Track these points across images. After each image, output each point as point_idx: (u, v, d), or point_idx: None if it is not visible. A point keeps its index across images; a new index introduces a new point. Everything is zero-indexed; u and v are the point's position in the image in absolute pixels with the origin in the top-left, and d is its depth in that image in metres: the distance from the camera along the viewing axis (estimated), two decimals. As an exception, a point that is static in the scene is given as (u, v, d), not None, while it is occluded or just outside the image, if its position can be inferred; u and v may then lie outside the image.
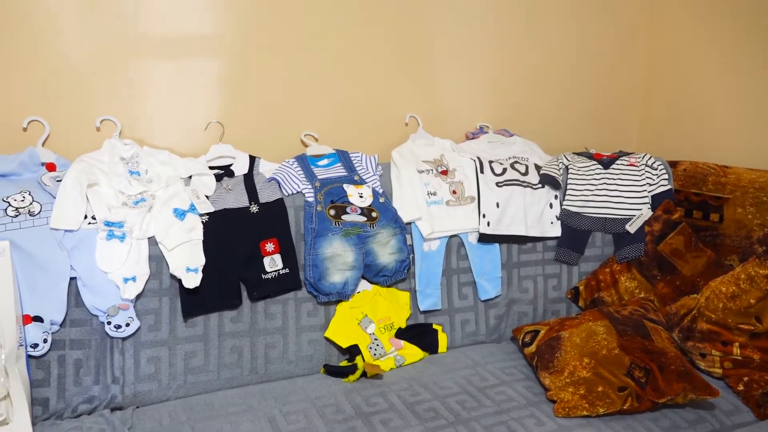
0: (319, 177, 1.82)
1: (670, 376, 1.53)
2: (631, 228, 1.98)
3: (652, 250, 1.93)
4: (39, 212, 1.50)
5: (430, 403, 1.56)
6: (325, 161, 1.88)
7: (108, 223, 1.54)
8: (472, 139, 2.15)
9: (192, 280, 1.57)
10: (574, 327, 1.72)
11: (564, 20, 2.29)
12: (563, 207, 2.02)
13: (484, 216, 1.92)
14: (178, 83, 1.82)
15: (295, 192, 1.78)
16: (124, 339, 1.55)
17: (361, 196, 1.82)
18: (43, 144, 1.66)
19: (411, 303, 1.87)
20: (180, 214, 1.62)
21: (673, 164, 2.09)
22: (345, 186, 1.82)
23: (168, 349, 1.59)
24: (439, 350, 1.86)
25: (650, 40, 2.41)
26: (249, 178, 1.78)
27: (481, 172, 1.98)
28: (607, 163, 2.07)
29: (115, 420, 1.45)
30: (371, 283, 1.82)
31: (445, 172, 1.96)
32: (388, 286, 1.84)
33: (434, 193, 1.91)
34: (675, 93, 2.33)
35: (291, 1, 1.89)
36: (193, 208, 1.65)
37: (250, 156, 1.84)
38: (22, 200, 1.51)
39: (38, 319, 1.45)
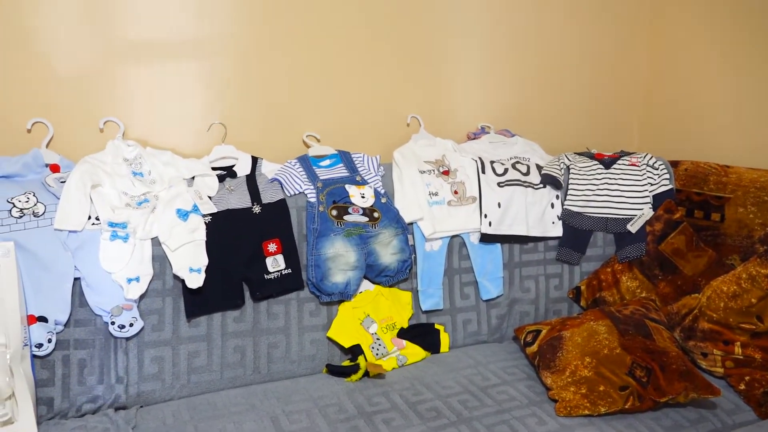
0: (321, 177, 1.83)
1: (671, 375, 1.53)
2: (633, 228, 1.99)
3: (654, 249, 1.94)
4: (43, 213, 1.51)
5: (432, 402, 1.57)
6: (327, 162, 1.89)
7: (111, 224, 1.55)
8: (474, 139, 2.16)
9: (195, 281, 1.58)
10: (575, 326, 1.72)
11: (565, 20, 2.29)
12: (565, 207, 2.02)
13: (485, 216, 1.93)
14: (180, 84, 1.83)
15: (297, 192, 1.79)
16: (127, 339, 1.56)
17: (363, 197, 1.82)
18: (47, 145, 1.67)
19: (413, 303, 1.88)
20: (183, 214, 1.63)
21: (675, 164, 2.09)
22: (347, 186, 1.83)
23: (171, 349, 1.60)
24: (441, 350, 1.86)
25: (651, 40, 2.42)
26: (251, 179, 1.79)
27: (483, 172, 1.99)
28: (608, 163, 2.07)
29: (119, 419, 1.46)
30: (373, 283, 1.83)
31: (446, 173, 1.97)
32: (390, 286, 1.85)
33: (436, 194, 1.92)
34: (676, 93, 2.33)
35: (293, 2, 1.90)
36: (196, 209, 1.66)
37: (253, 157, 1.85)
38: (27, 201, 1.52)
39: (43, 319, 1.46)
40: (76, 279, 1.51)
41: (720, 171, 1.97)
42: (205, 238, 1.63)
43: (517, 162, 2.06)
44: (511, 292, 1.98)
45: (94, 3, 1.69)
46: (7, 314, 1.38)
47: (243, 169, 1.82)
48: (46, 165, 1.63)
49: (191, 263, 1.59)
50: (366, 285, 1.82)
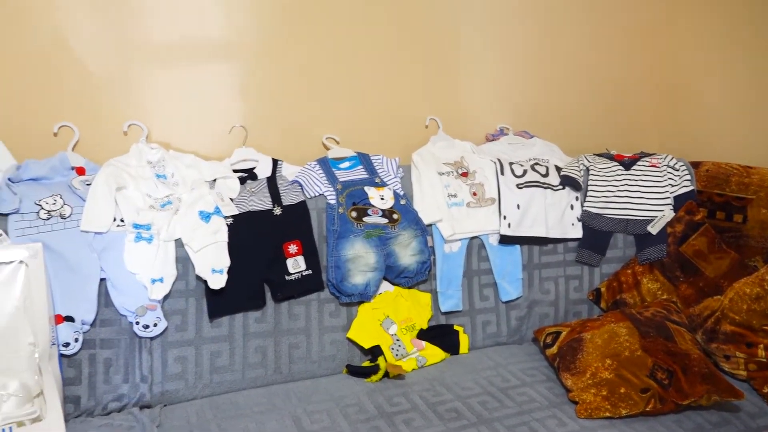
0: (340, 179, 1.84)
1: (693, 378, 1.52)
2: (653, 229, 1.97)
3: (675, 251, 1.93)
4: (70, 215, 1.55)
5: (452, 403, 1.57)
6: (346, 164, 1.91)
7: (136, 226, 1.58)
8: (492, 140, 2.16)
9: (217, 281, 1.60)
10: (596, 328, 1.72)
11: (583, 21, 2.29)
12: (584, 208, 2.02)
13: (504, 218, 1.93)
14: (202, 88, 1.86)
15: (317, 194, 1.80)
16: (152, 339, 1.58)
17: (382, 198, 1.84)
18: (73, 148, 1.70)
19: (432, 304, 1.88)
20: (205, 216, 1.66)
21: (696, 165, 2.08)
22: (366, 188, 1.84)
23: (194, 348, 1.62)
24: (461, 351, 1.87)
25: (670, 39, 2.40)
26: (272, 181, 1.81)
27: (502, 173, 1.99)
28: (628, 164, 2.06)
29: (144, 418, 1.49)
30: (393, 284, 1.84)
31: (465, 174, 1.97)
32: (410, 288, 1.86)
33: (455, 195, 1.92)
34: (696, 93, 2.31)
35: (313, 6, 1.92)
36: (217, 211, 1.68)
37: (273, 159, 1.87)
38: (54, 203, 1.55)
39: (70, 318, 1.50)
40: (101, 280, 1.54)
41: (742, 172, 1.96)
42: (227, 240, 1.66)
43: (536, 163, 2.06)
44: (531, 293, 1.97)
45: (118, 8, 1.72)
46: (35, 314, 1.41)
47: (264, 171, 1.84)
48: (72, 168, 1.66)
49: (214, 264, 1.61)
50: (385, 286, 1.83)
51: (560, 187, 2.01)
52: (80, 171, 1.66)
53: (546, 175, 2.03)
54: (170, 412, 1.55)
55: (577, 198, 2.02)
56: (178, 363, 1.61)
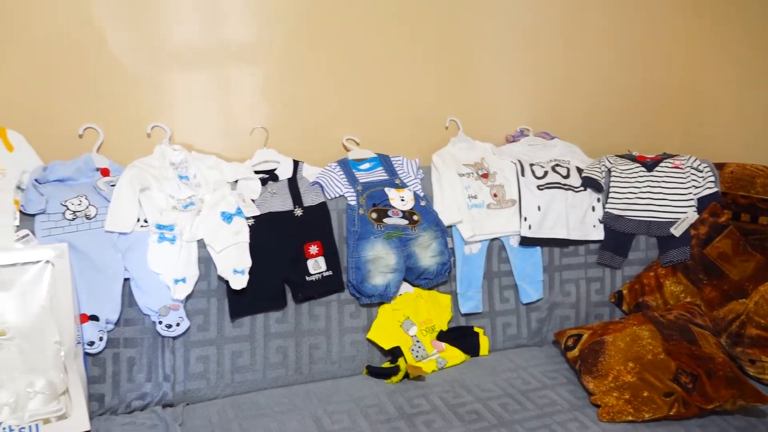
0: (361, 181, 1.85)
1: (718, 382, 1.50)
2: (676, 231, 1.95)
3: (699, 253, 1.90)
4: (95, 216, 1.57)
5: (472, 405, 1.57)
6: (366, 165, 1.91)
7: (159, 226, 1.60)
8: (513, 142, 2.15)
9: (239, 282, 1.61)
10: (618, 331, 1.70)
11: (604, 20, 2.27)
12: (606, 210, 2.00)
13: (525, 219, 1.92)
14: (224, 90, 1.87)
15: (337, 195, 1.81)
16: (174, 338, 1.60)
17: (402, 200, 1.84)
18: (97, 150, 1.73)
19: (452, 306, 1.88)
20: (227, 217, 1.67)
21: (720, 166, 2.05)
22: (386, 189, 1.84)
23: (216, 348, 1.64)
24: (481, 353, 1.86)
25: (692, 38, 2.37)
26: (293, 182, 1.82)
27: (522, 175, 1.98)
28: (650, 165, 2.04)
29: (166, 416, 1.50)
30: (413, 285, 1.84)
31: (485, 176, 1.97)
32: (430, 289, 1.85)
33: (475, 197, 1.92)
34: (720, 94, 2.28)
35: (332, 8, 1.93)
36: (239, 212, 1.69)
37: (294, 160, 1.88)
38: (79, 204, 1.57)
39: (94, 318, 1.52)
40: (125, 279, 1.56)
41: (767, 173, 1.93)
42: (248, 240, 1.67)
43: (557, 165, 2.05)
44: (552, 295, 1.96)
45: (142, 11, 1.75)
46: (61, 313, 1.44)
47: (285, 172, 1.85)
48: (97, 169, 1.68)
49: (235, 265, 1.62)
50: (405, 287, 1.83)
51: (581, 188, 2.00)
52: (104, 172, 1.68)
53: (567, 177, 2.01)
54: (192, 411, 1.56)
55: (598, 199, 2.01)
56: (200, 362, 1.62)
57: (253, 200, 1.75)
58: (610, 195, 2.01)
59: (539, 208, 1.93)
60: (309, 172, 1.87)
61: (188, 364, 1.61)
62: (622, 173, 2.03)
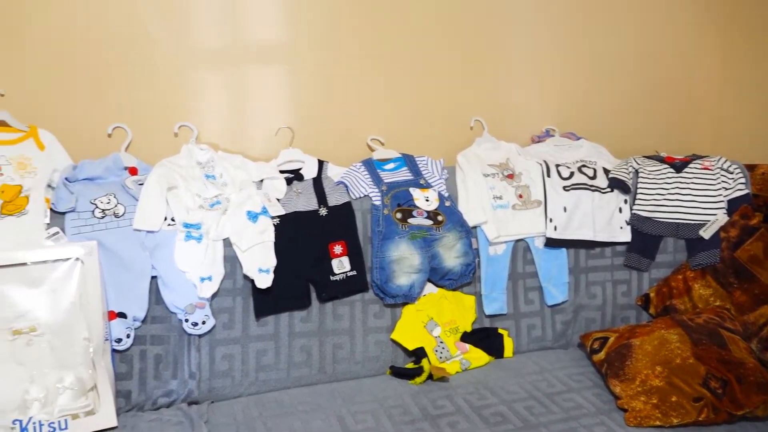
0: (385, 181, 1.84)
1: (749, 387, 1.48)
2: (706, 234, 1.92)
3: (729, 256, 1.87)
4: (123, 214, 1.59)
5: (496, 407, 1.56)
6: (391, 165, 1.91)
7: (186, 225, 1.61)
8: (538, 142, 2.13)
9: (264, 281, 1.62)
10: (645, 335, 1.68)
11: (632, 19, 2.24)
12: (633, 211, 1.97)
13: (551, 220, 1.90)
14: (250, 90, 1.88)
15: (362, 195, 1.81)
16: (200, 336, 1.61)
17: (427, 200, 1.83)
18: (126, 149, 1.75)
19: (476, 307, 1.87)
20: (253, 216, 1.68)
21: (751, 168, 2.01)
22: (411, 190, 1.84)
23: (241, 347, 1.65)
24: (505, 355, 1.85)
25: (722, 38, 2.33)
26: (318, 182, 1.83)
27: (548, 175, 1.96)
28: (679, 166, 2.01)
29: (192, 414, 1.51)
30: (437, 286, 1.83)
31: (511, 176, 1.95)
32: (454, 290, 1.84)
33: (500, 197, 1.90)
34: (751, 94, 2.24)
35: (357, 9, 1.93)
36: (265, 211, 1.70)
37: (319, 160, 1.88)
38: (108, 203, 1.59)
39: (122, 315, 1.53)
40: (153, 277, 1.58)
41: (801, 175, 1.89)
42: (273, 240, 1.67)
43: (584, 165, 2.02)
44: (577, 297, 1.94)
45: (171, 13, 1.76)
46: (90, 310, 1.46)
47: (309, 172, 1.85)
48: (125, 168, 1.70)
49: (261, 264, 1.63)
50: (429, 288, 1.82)
51: (608, 189, 1.97)
52: (133, 171, 1.70)
53: (593, 178, 1.99)
54: (217, 409, 1.57)
55: (625, 201, 1.98)
56: (225, 360, 1.63)
57: (278, 200, 1.76)
58: (638, 196, 1.98)
59: (565, 209, 1.91)
60: (334, 172, 1.87)
61: (213, 362, 1.62)
62: (649, 174, 2.00)
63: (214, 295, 1.61)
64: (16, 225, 1.50)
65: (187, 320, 1.58)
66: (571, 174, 1.98)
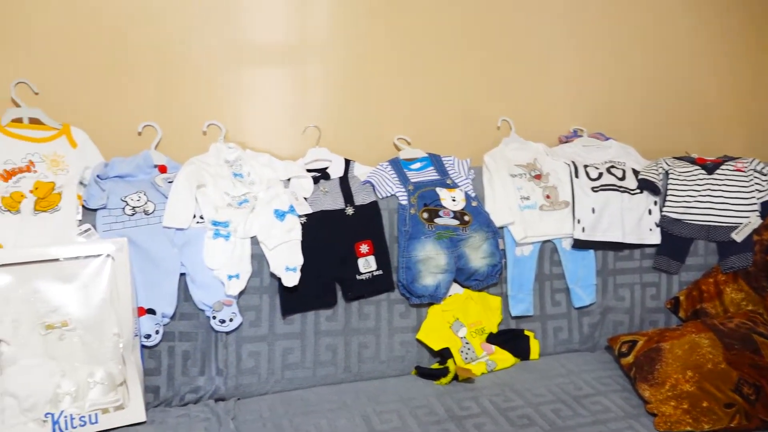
0: (412, 180, 1.84)
1: (783, 394, 1.45)
2: (738, 236, 1.88)
3: (762, 260, 1.83)
4: (153, 211, 1.60)
5: (523, 409, 1.54)
6: (417, 165, 1.90)
7: (215, 223, 1.62)
8: (566, 142, 2.11)
9: (291, 279, 1.62)
10: (675, 338, 1.65)
11: (661, 19, 2.21)
12: (663, 213, 1.94)
13: (578, 221, 1.88)
14: (278, 89, 1.89)
15: (389, 195, 1.80)
16: (227, 333, 1.62)
17: (453, 200, 1.82)
18: (155, 147, 1.77)
19: (502, 308, 1.86)
20: (280, 215, 1.68)
21: (785, 170, 1.97)
22: (438, 189, 1.83)
23: (267, 344, 1.65)
24: (531, 357, 1.83)
25: (754, 38, 2.28)
26: (344, 181, 1.83)
27: (576, 176, 1.94)
28: (711, 168, 1.97)
29: (219, 410, 1.52)
30: (463, 286, 1.82)
31: (538, 177, 1.94)
32: (480, 291, 1.83)
33: (527, 198, 1.89)
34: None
35: (386, 9, 1.93)
36: (292, 210, 1.71)
37: (346, 159, 1.88)
38: (138, 200, 1.61)
39: (151, 311, 1.55)
40: (181, 274, 1.59)
41: (838, 177, 1.84)
42: (300, 238, 1.68)
43: (612, 166, 2.00)
44: (605, 300, 1.92)
45: (202, 12, 1.78)
46: (120, 306, 1.48)
47: (336, 171, 1.85)
48: (155, 166, 1.72)
49: (287, 262, 1.64)
50: (455, 288, 1.81)
51: (638, 190, 1.95)
52: (162, 169, 1.72)
53: (623, 179, 1.96)
54: (243, 406, 1.58)
55: (655, 202, 1.95)
56: (252, 358, 1.64)
57: (305, 198, 1.76)
58: (668, 198, 1.95)
59: (593, 211, 1.89)
60: (360, 171, 1.87)
61: (240, 360, 1.63)
62: (680, 175, 1.97)
63: (241, 293, 1.62)
64: (49, 221, 1.53)
65: (214, 317, 1.59)
66: (600, 175, 1.96)
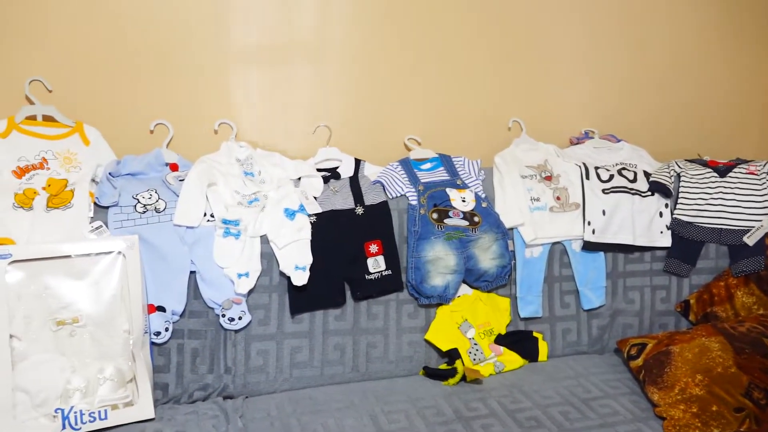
0: (422, 180, 1.84)
1: (794, 399, 1.43)
2: (750, 240, 1.87)
3: (774, 264, 1.82)
4: (164, 209, 1.61)
5: (531, 411, 1.54)
6: (428, 165, 1.90)
7: (225, 221, 1.63)
8: (577, 144, 2.10)
9: (300, 278, 1.63)
10: (685, 342, 1.64)
11: (674, 19, 2.19)
12: (674, 216, 1.93)
13: (589, 223, 1.88)
14: (288, 88, 1.90)
15: (399, 195, 1.81)
16: (236, 331, 1.63)
17: (463, 201, 1.82)
18: (167, 145, 1.78)
19: (511, 309, 1.85)
20: (290, 214, 1.69)
21: (799, 173, 1.95)
22: (448, 190, 1.83)
23: (276, 343, 1.66)
24: (539, 359, 1.83)
25: (765, 39, 2.27)
26: (354, 181, 1.83)
27: (587, 178, 1.93)
28: (723, 171, 1.96)
29: (227, 408, 1.53)
30: (471, 287, 1.82)
31: (549, 178, 1.93)
32: (489, 292, 1.83)
33: (538, 199, 1.88)
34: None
35: (396, 8, 1.93)
36: (302, 209, 1.71)
37: (356, 159, 1.89)
38: (149, 198, 1.62)
39: (161, 309, 1.56)
40: (191, 272, 1.60)
41: None
42: (310, 237, 1.68)
43: (624, 168, 1.99)
44: (614, 302, 1.91)
45: (213, 12, 1.79)
46: (131, 303, 1.49)
47: (346, 171, 1.86)
48: (166, 164, 1.73)
49: (297, 261, 1.64)
50: (464, 289, 1.81)
51: (649, 193, 1.94)
52: (173, 167, 1.73)
53: (634, 181, 1.95)
54: (251, 404, 1.59)
55: (666, 205, 1.94)
56: (260, 356, 1.65)
57: (315, 198, 1.76)
58: (679, 200, 1.94)
59: (604, 213, 1.88)
60: (370, 171, 1.87)
61: (249, 358, 1.64)
62: (692, 178, 1.96)
63: (250, 292, 1.63)
64: (62, 218, 1.54)
65: (223, 315, 1.60)
66: (611, 177, 1.95)
